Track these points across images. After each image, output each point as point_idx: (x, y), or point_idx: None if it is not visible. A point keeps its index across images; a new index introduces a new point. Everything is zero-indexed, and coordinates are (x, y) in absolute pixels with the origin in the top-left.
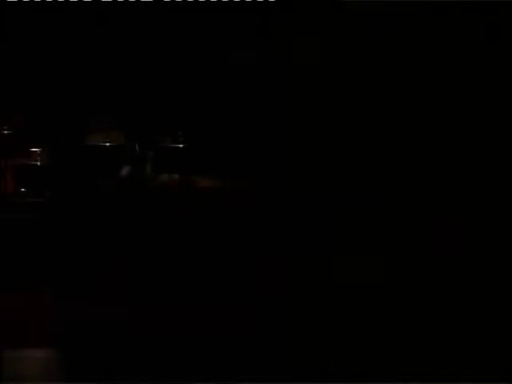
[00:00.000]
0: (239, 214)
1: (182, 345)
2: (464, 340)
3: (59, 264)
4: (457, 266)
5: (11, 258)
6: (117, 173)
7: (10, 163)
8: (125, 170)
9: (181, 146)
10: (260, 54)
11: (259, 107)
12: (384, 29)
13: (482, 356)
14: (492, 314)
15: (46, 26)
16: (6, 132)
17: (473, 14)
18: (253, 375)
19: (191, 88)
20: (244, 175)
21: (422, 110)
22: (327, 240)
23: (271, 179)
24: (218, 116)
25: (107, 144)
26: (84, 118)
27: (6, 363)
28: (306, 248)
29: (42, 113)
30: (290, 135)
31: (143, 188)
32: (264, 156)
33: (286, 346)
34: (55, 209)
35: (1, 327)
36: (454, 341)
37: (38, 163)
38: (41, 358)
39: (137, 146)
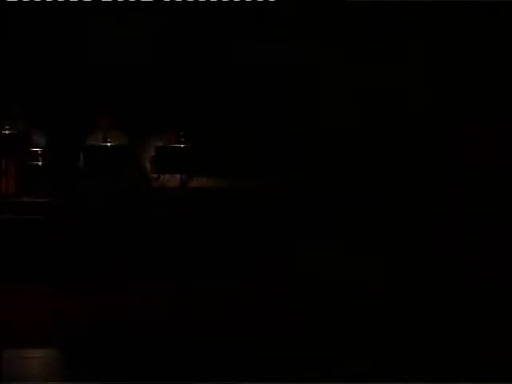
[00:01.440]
0: (240, 213)
1: (185, 346)
2: (463, 339)
3: (60, 264)
4: (456, 266)
5: (11, 257)
6: (118, 173)
7: (12, 163)
8: (126, 170)
9: (182, 146)
10: (260, 54)
11: (260, 107)
12: (384, 29)
13: (482, 355)
14: (489, 312)
15: (46, 26)
16: (7, 132)
17: (473, 14)
18: (252, 375)
19: (192, 88)
20: (245, 175)
21: (422, 108)
22: (328, 240)
23: (272, 179)
24: (218, 116)
25: (108, 144)
26: (85, 118)
27: (6, 363)
28: (307, 248)
29: (43, 113)
30: (290, 135)
31: (144, 188)
32: (264, 156)
33: (286, 346)
34: (57, 209)
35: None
36: (453, 341)
37: (40, 163)
38: (41, 358)
39: (138, 146)
